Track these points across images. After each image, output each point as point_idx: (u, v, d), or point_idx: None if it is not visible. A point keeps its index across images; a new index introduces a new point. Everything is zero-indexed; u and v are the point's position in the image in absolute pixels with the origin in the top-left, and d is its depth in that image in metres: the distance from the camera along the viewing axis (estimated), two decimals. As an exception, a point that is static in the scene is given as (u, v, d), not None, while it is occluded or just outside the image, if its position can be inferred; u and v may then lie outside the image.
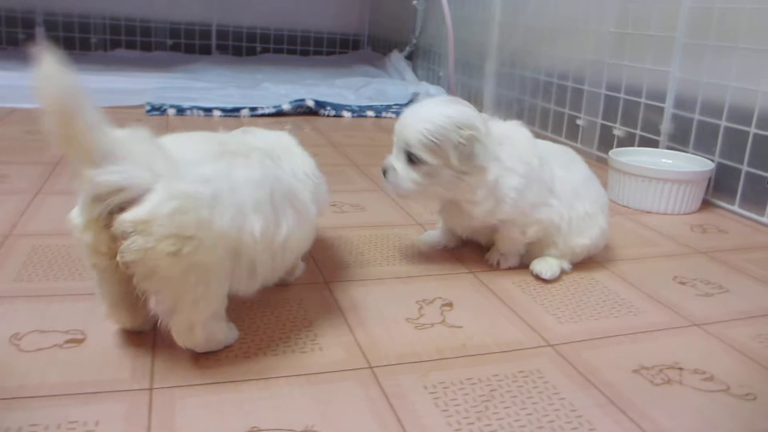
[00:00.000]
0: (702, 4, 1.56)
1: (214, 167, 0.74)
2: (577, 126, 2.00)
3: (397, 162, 1.02)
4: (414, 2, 2.99)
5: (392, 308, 0.94)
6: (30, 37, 3.39)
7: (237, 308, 0.89)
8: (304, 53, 3.87)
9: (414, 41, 3.19)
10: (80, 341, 0.80)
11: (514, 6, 2.34)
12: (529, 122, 2.23)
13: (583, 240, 1.09)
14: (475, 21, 2.59)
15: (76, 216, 0.71)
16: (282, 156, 0.88)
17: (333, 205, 1.38)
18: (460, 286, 1.04)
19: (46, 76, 0.63)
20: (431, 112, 0.98)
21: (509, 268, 1.11)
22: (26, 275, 0.96)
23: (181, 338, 0.75)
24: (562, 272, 1.10)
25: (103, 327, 0.82)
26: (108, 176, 0.65)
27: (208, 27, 3.69)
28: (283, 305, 0.92)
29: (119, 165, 0.66)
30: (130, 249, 0.66)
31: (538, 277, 1.07)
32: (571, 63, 2.04)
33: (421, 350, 0.83)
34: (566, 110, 2.06)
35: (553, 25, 2.12)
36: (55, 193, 1.34)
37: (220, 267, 0.72)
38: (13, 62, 2.86)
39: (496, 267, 1.11)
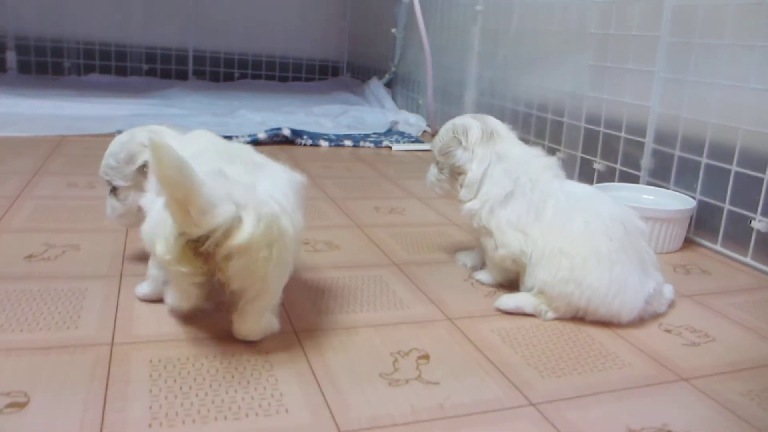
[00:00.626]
0: (681, 39, 1.54)
1: (264, 184, 0.87)
2: (557, 159, 1.97)
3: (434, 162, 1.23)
4: (393, 30, 2.97)
5: (365, 362, 0.88)
6: (1, 62, 3.32)
7: (196, 358, 0.83)
8: (283, 79, 3.83)
9: (393, 69, 3.16)
10: (23, 405, 0.73)
11: (493, 35, 2.32)
12: (509, 153, 2.19)
13: (544, 275, 1.05)
14: (454, 50, 2.57)
15: (165, 253, 0.80)
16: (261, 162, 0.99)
17: (306, 243, 1.33)
18: (437, 334, 0.98)
19: (160, 156, 0.71)
20: (451, 120, 1.20)
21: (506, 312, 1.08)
22: (-29, 326, 0.90)
23: (247, 326, 0.89)
24: (540, 319, 1.05)
25: (51, 384, 0.76)
26: (215, 221, 0.77)
27: (185, 52, 3.64)
28: (248, 358, 0.86)
29: (218, 208, 0.77)
30: (236, 267, 0.81)
31: (511, 314, 1.05)
32: (550, 94, 2.01)
33: (395, 412, 0.77)
34: (546, 142, 2.03)
35: (531, 55, 2.10)
36: (10, 231, 1.27)
37: (291, 259, 0.88)
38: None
39: (475, 281, 1.19)
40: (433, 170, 1.23)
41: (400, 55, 3.08)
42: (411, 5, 2.84)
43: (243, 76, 3.76)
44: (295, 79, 3.86)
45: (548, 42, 2.01)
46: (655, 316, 1.09)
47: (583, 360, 0.94)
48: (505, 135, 1.17)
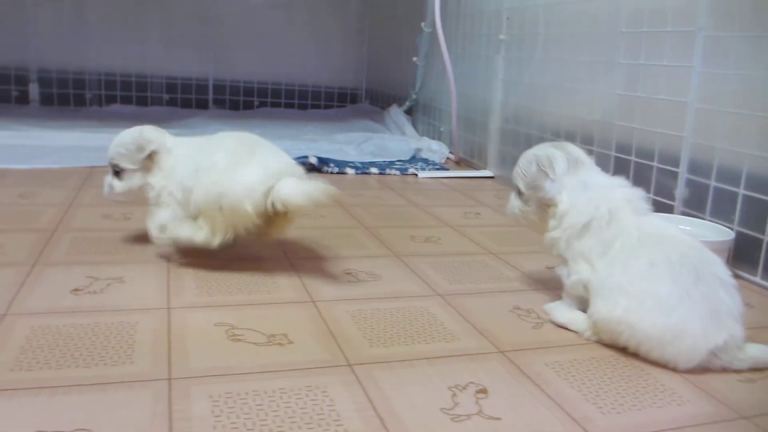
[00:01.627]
0: (714, 69, 1.54)
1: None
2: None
3: (512, 192, 1.24)
4: (414, 59, 2.99)
5: (424, 396, 0.87)
6: (23, 94, 3.35)
7: (256, 394, 0.82)
8: (302, 107, 3.86)
9: (414, 96, 3.18)
10: (89, 443, 0.73)
11: (517, 64, 2.33)
12: (536, 181, 2.19)
13: (600, 308, 1.04)
14: (478, 78, 2.58)
15: (252, 210, 1.22)
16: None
17: (348, 273, 1.32)
18: (490, 367, 0.97)
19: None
20: (531, 151, 1.19)
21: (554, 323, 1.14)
22: (26, 363, 0.89)
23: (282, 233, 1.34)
24: (586, 341, 1.04)
25: (114, 421, 0.75)
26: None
27: (205, 81, 3.67)
28: (306, 392, 0.85)
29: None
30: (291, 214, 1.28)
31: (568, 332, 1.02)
32: (578, 123, 2.02)
33: (461, 449, 0.76)
34: (575, 170, 2.02)
35: (557, 84, 2.11)
36: (53, 264, 1.27)
37: None
38: (7, 120, 2.81)
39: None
40: (515, 202, 1.22)
41: (421, 83, 3.10)
42: (433, 35, 2.86)
43: (262, 105, 3.79)
44: (314, 106, 3.88)
45: (575, 71, 2.02)
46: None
47: (641, 395, 0.92)
48: (588, 162, 1.17)
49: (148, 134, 1.36)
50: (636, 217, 1.11)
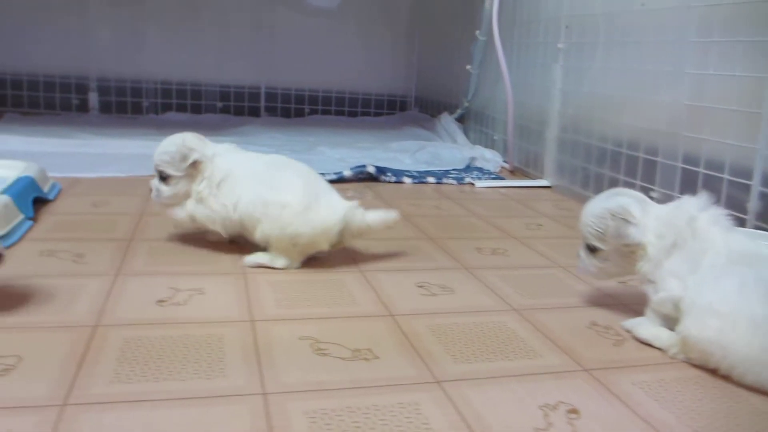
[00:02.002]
0: (794, 78, 1.51)
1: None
2: (651, 198, 1.94)
3: (582, 250, 1.23)
4: (468, 67, 2.99)
5: (517, 416, 0.87)
6: (83, 103, 3.44)
7: (351, 410, 0.83)
8: (352, 114, 3.88)
9: (466, 104, 3.18)
10: (197, 458, 0.74)
11: (576, 73, 2.31)
12: (597, 191, 2.17)
13: (691, 327, 1.03)
14: (534, 86, 2.57)
15: (326, 246, 1.39)
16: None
17: (420, 287, 1.33)
18: (578, 386, 0.97)
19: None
20: (594, 207, 1.19)
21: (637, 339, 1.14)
22: (124, 375, 0.91)
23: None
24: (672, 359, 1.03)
25: (219, 440, 0.77)
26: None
27: (257, 89, 3.72)
28: (400, 410, 0.86)
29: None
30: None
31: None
32: (642, 133, 1.99)
33: (561, 471, 0.76)
34: (638, 181, 2.00)
35: (619, 93, 2.08)
36: (134, 275, 1.30)
37: None
38: (69, 128, 2.89)
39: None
40: (590, 260, 1.21)
41: (474, 91, 3.10)
42: (488, 43, 2.86)
43: (313, 112, 3.83)
44: (363, 114, 3.91)
45: (638, 80, 2.00)
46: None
47: (740, 420, 0.91)
48: (647, 199, 1.20)
49: (190, 143, 1.42)
50: (720, 231, 1.09)
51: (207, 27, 3.59)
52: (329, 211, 1.38)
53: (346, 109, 3.87)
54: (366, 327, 1.13)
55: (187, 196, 1.44)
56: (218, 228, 1.43)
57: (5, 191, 1.56)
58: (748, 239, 1.11)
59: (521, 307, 1.26)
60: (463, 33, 3.35)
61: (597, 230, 1.17)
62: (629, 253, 1.16)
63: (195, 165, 1.41)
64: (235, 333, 1.07)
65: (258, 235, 1.37)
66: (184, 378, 0.91)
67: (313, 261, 1.43)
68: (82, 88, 3.43)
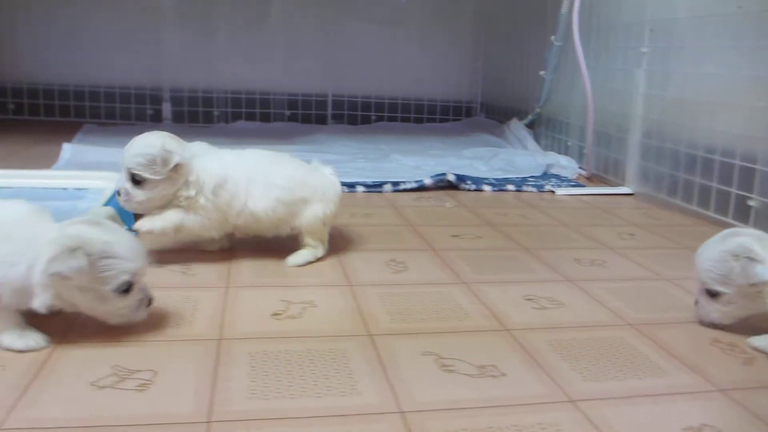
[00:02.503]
0: None
1: None
2: (749, 207, 1.88)
3: (701, 296, 1.20)
4: (541, 72, 2.95)
5: (663, 439, 0.85)
6: (157, 113, 3.52)
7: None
8: (417, 121, 3.88)
9: (537, 110, 3.14)
10: (352, 478, 0.74)
11: (662, 77, 2.26)
12: (686, 200, 2.12)
13: None
14: (614, 91, 2.52)
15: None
16: None
17: (528, 299, 1.31)
18: (717, 408, 0.93)
19: None
20: (710, 251, 1.16)
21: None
22: (260, 391, 0.92)
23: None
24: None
25: (371, 460, 0.76)
26: None
27: (324, 97, 3.75)
28: (540, 429, 0.84)
29: None
30: None
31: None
32: (736, 139, 1.93)
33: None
34: (733, 189, 1.94)
35: (709, 98, 2.03)
36: (245, 286, 1.32)
37: None
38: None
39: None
40: (712, 306, 1.17)
41: (546, 97, 3.06)
42: (563, 48, 2.82)
43: (379, 119, 3.83)
44: (429, 120, 3.90)
45: (732, 85, 1.94)
46: None
47: None
48: (764, 234, 1.16)
49: (170, 145, 1.33)
50: None
51: (275, 37, 3.64)
52: (328, 179, 1.50)
53: (412, 115, 3.87)
54: (484, 342, 1.11)
55: (163, 200, 1.37)
56: (213, 234, 1.43)
57: (108, 203, 1.60)
58: None
59: (636, 321, 1.23)
60: (531, 38, 3.32)
61: (719, 274, 1.13)
62: (756, 293, 1.12)
63: (176, 168, 1.33)
64: (356, 348, 1.06)
65: (286, 232, 1.45)
66: (319, 394, 0.92)
67: (414, 276, 1.42)
68: (156, 99, 3.51)
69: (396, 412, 0.88)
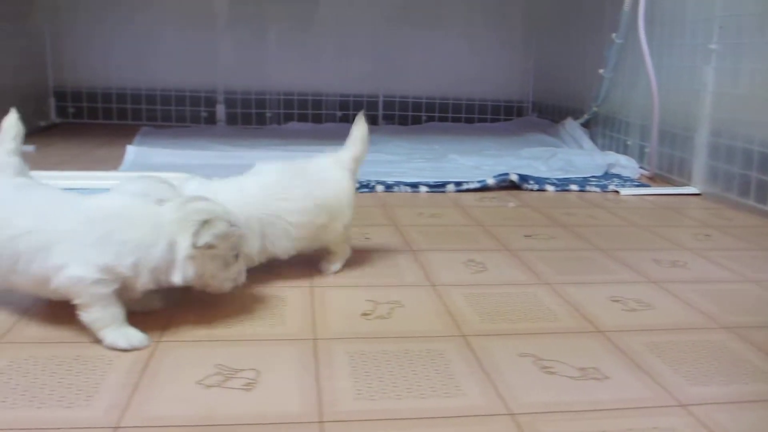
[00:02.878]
0: None
1: None
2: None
3: None
4: (600, 70, 2.91)
5: (786, 445, 0.82)
6: (211, 115, 3.56)
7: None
8: (468, 121, 3.86)
9: (594, 109, 3.09)
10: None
11: (732, 75, 2.21)
12: (759, 200, 2.06)
13: None
14: (680, 89, 2.47)
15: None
16: None
17: (616, 301, 1.29)
18: (834, 413, 0.91)
19: None
20: None
21: None
22: (365, 392, 0.92)
23: None
24: None
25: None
26: None
27: (375, 98, 3.75)
28: (658, 437, 0.83)
29: None
30: None
31: None
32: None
33: None
34: (813, 187, 1.89)
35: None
36: (328, 286, 1.32)
37: None
38: (204, 140, 2.99)
39: None
40: None
41: (604, 96, 3.01)
42: (624, 46, 2.77)
43: (430, 119, 3.82)
44: (480, 120, 3.88)
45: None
46: None
47: None
48: None
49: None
50: None
51: (326, 39, 3.65)
52: (338, 186, 1.37)
53: (463, 115, 3.85)
54: (579, 343, 1.10)
55: None
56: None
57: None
58: None
59: (732, 324, 1.20)
60: (587, 36, 3.27)
61: None
62: None
63: None
64: (453, 348, 1.06)
65: (316, 246, 1.38)
66: (423, 395, 0.91)
67: (496, 273, 1.41)
68: (210, 101, 3.55)
69: (505, 414, 0.87)
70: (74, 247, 0.99)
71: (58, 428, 0.80)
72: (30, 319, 1.10)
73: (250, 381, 0.93)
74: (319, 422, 0.84)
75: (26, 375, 0.92)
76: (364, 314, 1.18)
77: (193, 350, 1.02)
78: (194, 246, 1.02)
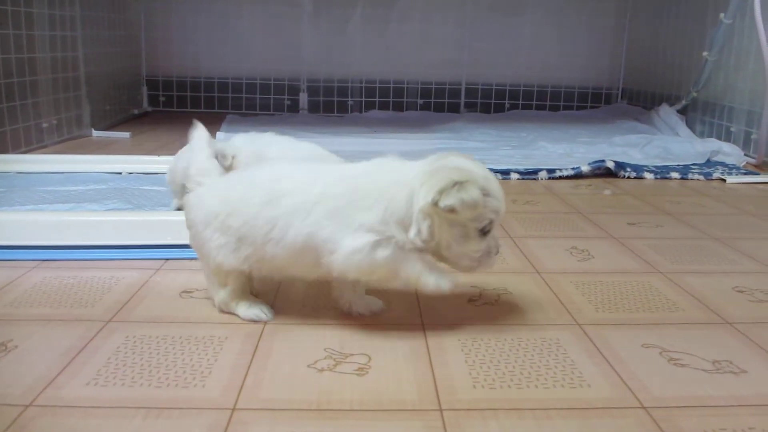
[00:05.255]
0: None
1: None
2: None
3: None
4: (704, 54, 2.76)
5: None
6: (294, 103, 3.58)
7: None
8: (553, 108, 3.74)
9: (694, 94, 2.94)
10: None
11: None
12: None
13: None
14: (792, 71, 2.31)
15: None
16: None
17: (740, 292, 1.20)
18: None
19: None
20: None
21: None
22: (483, 380, 0.87)
23: None
24: None
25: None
26: None
27: (458, 85, 3.69)
28: None
29: None
30: None
31: None
32: None
33: None
34: None
35: None
36: (429, 272, 1.28)
37: None
38: (290, 128, 2.99)
39: None
40: None
41: (706, 80, 2.85)
42: (733, 27, 2.62)
43: (513, 107, 3.73)
44: (565, 107, 3.75)
45: None
46: None
47: None
48: None
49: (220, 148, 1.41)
50: None
51: (408, 26, 3.61)
52: None
53: (548, 103, 3.74)
54: (707, 335, 1.02)
55: None
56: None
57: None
58: None
59: None
60: (687, 18, 3.11)
61: None
62: None
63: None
64: (569, 337, 1.00)
65: None
66: (546, 386, 0.86)
67: (604, 261, 1.34)
68: (293, 90, 3.57)
69: (638, 407, 0.81)
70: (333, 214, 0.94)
71: (180, 407, 0.79)
72: (139, 298, 1.11)
73: (363, 366, 0.90)
74: (439, 410, 0.80)
75: (141, 354, 0.92)
76: (471, 300, 1.14)
77: (301, 333, 1.00)
78: (432, 203, 0.90)
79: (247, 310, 1.04)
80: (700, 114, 2.96)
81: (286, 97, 3.57)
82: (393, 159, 1.00)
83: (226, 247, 0.99)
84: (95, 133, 2.77)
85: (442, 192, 0.90)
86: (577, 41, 3.71)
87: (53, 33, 2.44)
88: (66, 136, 2.57)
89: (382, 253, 0.93)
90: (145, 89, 3.52)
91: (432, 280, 0.96)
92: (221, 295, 1.04)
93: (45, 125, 2.41)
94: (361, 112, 3.64)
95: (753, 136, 2.50)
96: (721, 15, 2.62)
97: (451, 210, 0.90)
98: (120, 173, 1.99)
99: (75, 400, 0.80)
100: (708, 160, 2.48)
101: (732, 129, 2.69)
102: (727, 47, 2.70)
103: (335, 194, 0.95)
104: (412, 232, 0.93)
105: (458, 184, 0.91)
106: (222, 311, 1.05)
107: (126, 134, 2.78)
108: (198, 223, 1.02)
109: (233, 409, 0.79)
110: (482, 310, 1.10)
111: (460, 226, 0.94)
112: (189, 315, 1.05)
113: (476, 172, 0.95)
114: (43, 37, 2.37)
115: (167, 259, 1.30)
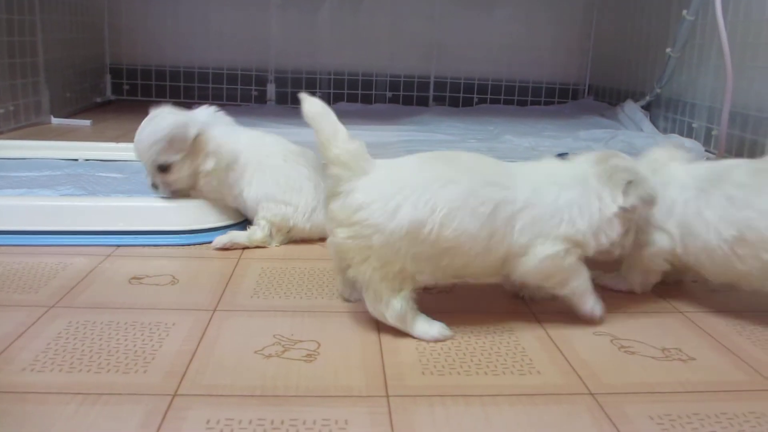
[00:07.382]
0: None
1: None
2: None
3: None
4: (668, 50, 2.78)
5: None
6: (261, 94, 3.54)
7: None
8: (521, 103, 3.75)
9: (657, 90, 2.96)
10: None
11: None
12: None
13: None
14: (755, 69, 2.34)
15: None
16: None
17: (695, 282, 1.21)
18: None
19: None
20: None
21: None
22: (432, 367, 0.86)
23: None
24: None
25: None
26: None
27: (427, 79, 3.68)
28: (755, 420, 0.75)
29: None
30: None
31: None
32: None
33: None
34: None
35: None
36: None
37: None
38: (259, 119, 2.96)
39: None
40: None
41: (669, 76, 2.88)
42: (695, 24, 2.65)
43: (481, 101, 3.73)
44: (533, 103, 3.76)
45: None
46: None
47: None
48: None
49: (180, 120, 1.30)
50: None
51: (378, 19, 3.59)
52: None
53: (516, 98, 3.75)
54: (658, 323, 1.03)
55: (192, 178, 1.32)
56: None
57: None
58: None
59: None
60: (651, 15, 3.14)
61: None
62: None
63: (196, 140, 1.30)
64: (520, 325, 1.00)
65: None
66: (495, 372, 0.85)
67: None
68: (261, 80, 3.52)
69: (586, 394, 0.81)
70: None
71: (118, 393, 0.77)
72: (86, 284, 1.08)
73: (311, 352, 0.89)
74: (386, 396, 0.79)
75: (83, 340, 0.89)
76: (426, 289, 1.13)
77: (249, 320, 0.98)
78: (622, 206, 0.95)
79: (430, 329, 0.93)
80: (664, 110, 2.99)
81: (253, 87, 3.53)
82: (551, 160, 1.07)
83: (424, 256, 0.90)
84: (55, 121, 2.70)
85: (625, 193, 0.95)
86: (545, 37, 3.72)
87: (10, 17, 2.38)
88: (24, 123, 2.51)
89: (569, 260, 0.95)
90: (108, 77, 3.45)
91: (591, 301, 0.99)
92: (395, 306, 0.91)
93: (1, 111, 2.35)
94: (329, 103, 3.59)
95: (714, 132, 2.53)
96: (684, 11, 2.65)
97: (632, 209, 0.96)
98: (77, 160, 1.95)
99: (8, 386, 0.77)
100: (670, 156, 2.50)
101: (694, 125, 2.72)
102: (689, 44, 2.73)
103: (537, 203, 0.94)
104: (604, 238, 0.96)
105: (631, 184, 0.96)
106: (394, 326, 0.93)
107: (87, 122, 2.72)
108: (390, 232, 0.88)
109: (174, 395, 0.77)
110: (437, 298, 1.10)
111: (628, 222, 0.99)
112: (136, 301, 1.03)
113: (639, 169, 1.01)
114: None
115: (119, 246, 1.27)
